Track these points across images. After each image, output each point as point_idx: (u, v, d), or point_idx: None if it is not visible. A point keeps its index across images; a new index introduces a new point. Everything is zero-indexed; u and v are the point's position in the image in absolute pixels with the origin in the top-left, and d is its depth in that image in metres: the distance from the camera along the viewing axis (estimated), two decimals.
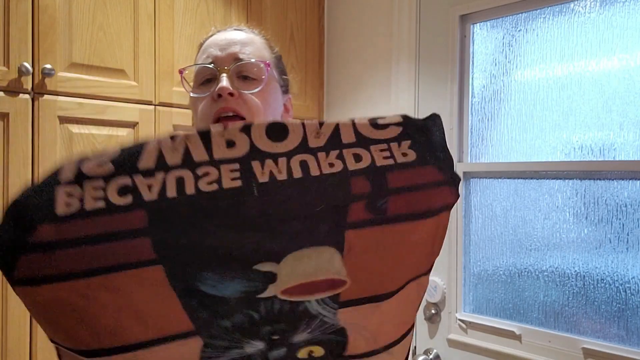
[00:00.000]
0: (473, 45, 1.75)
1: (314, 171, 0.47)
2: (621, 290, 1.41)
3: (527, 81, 1.61)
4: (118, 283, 0.44)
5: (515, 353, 1.57)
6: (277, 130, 0.48)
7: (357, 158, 0.49)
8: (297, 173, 0.47)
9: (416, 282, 0.55)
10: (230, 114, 0.71)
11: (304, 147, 0.48)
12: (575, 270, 1.49)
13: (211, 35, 0.80)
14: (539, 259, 1.57)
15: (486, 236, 1.69)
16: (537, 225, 1.57)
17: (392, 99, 1.91)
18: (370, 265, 0.50)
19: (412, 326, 0.59)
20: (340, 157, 0.48)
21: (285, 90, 0.83)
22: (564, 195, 1.52)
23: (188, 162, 0.46)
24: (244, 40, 0.77)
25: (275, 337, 0.49)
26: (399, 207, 0.49)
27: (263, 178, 0.46)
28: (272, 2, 1.91)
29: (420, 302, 0.58)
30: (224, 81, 0.71)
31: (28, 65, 1.31)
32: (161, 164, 0.45)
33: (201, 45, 0.81)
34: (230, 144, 0.47)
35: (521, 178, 1.61)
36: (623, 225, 1.41)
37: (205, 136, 0.47)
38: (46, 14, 1.35)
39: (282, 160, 0.47)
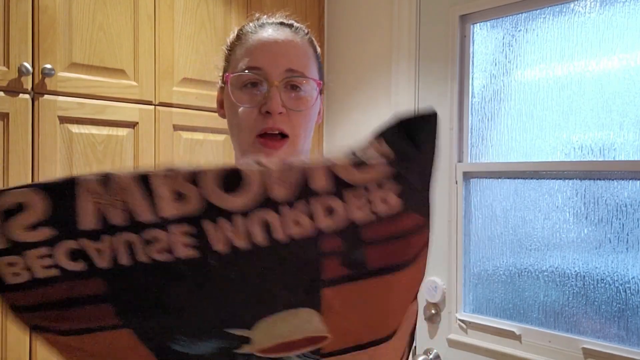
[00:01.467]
0: (473, 45, 1.75)
1: (278, 234, 0.40)
2: (621, 290, 1.41)
3: (527, 81, 1.61)
4: (93, 343, 0.43)
5: (515, 353, 1.57)
6: (230, 178, 0.40)
7: (329, 212, 0.41)
8: (259, 238, 0.40)
9: (404, 317, 0.52)
10: (277, 132, 0.69)
11: (264, 199, 0.40)
12: (575, 270, 1.49)
13: (255, 26, 0.74)
14: (539, 259, 1.57)
15: (486, 236, 1.69)
16: (537, 225, 1.57)
17: (392, 99, 1.91)
18: (353, 318, 0.46)
19: (408, 353, 0.58)
20: (307, 211, 0.41)
21: (321, 92, 0.79)
22: (564, 195, 1.52)
23: (132, 223, 0.39)
24: (295, 47, 0.72)
25: None
26: (378, 259, 0.44)
27: (219, 247, 0.40)
28: (272, 2, 1.91)
29: (414, 329, 0.56)
30: (275, 98, 0.67)
31: (28, 65, 1.31)
32: (103, 225, 0.39)
33: (240, 33, 0.75)
34: (180, 196, 0.39)
35: (521, 178, 1.61)
36: (623, 225, 1.41)
37: (144, 185, 0.39)
38: (46, 14, 1.35)
39: (238, 221, 0.40)
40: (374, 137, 0.43)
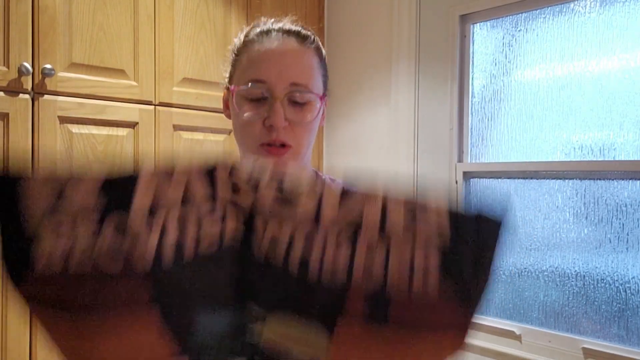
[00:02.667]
0: (473, 45, 1.75)
1: (317, 249, 0.44)
2: (621, 290, 1.41)
3: (527, 81, 1.61)
4: (111, 325, 0.45)
5: (515, 353, 1.56)
6: (288, 192, 0.44)
7: (369, 248, 0.44)
8: (298, 249, 0.44)
9: None
10: (278, 144, 0.70)
11: (314, 218, 0.44)
12: (575, 270, 1.49)
13: (260, 33, 0.74)
14: (539, 259, 1.57)
15: None
16: (537, 225, 1.57)
17: (392, 99, 1.91)
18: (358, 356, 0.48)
19: None
20: (349, 241, 0.44)
21: (324, 95, 0.78)
22: (564, 195, 1.52)
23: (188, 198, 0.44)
24: (300, 59, 0.72)
25: None
26: (400, 309, 0.45)
27: (264, 244, 0.44)
28: (272, 2, 1.91)
29: None
30: (279, 113, 0.69)
31: (28, 65, 1.31)
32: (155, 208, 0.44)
33: (246, 39, 0.75)
34: (236, 188, 0.44)
35: (521, 178, 1.61)
36: (623, 225, 1.41)
37: (209, 175, 0.44)
38: (46, 14, 1.35)
39: (287, 229, 0.44)
40: (445, 205, 0.44)
